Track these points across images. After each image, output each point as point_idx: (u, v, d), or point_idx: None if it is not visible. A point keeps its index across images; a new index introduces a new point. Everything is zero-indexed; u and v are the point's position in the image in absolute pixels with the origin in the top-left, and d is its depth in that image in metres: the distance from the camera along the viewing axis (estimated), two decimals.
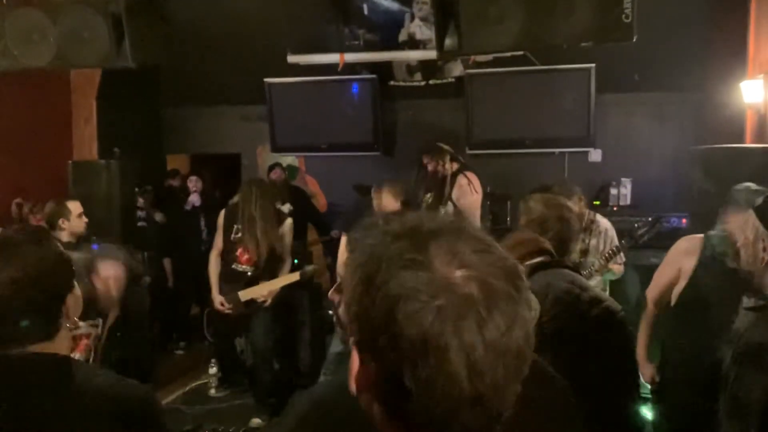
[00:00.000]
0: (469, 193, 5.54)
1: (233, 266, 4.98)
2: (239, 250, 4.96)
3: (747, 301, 2.70)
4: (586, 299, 2.27)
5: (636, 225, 4.47)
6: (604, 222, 4.45)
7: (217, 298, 4.95)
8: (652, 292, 3.30)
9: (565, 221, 2.61)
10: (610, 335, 2.27)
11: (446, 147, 5.71)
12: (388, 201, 4.50)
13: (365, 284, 0.74)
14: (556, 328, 2.08)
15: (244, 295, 4.89)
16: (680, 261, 3.13)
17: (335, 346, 4.61)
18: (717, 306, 2.91)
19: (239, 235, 4.94)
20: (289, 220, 5.17)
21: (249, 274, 4.96)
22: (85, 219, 4.50)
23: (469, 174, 5.61)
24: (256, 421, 4.92)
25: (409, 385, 0.71)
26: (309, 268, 5.01)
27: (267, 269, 4.97)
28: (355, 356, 0.77)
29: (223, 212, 5.14)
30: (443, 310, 0.70)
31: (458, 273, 0.72)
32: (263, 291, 4.91)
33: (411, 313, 0.70)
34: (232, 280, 4.96)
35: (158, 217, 6.85)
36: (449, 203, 5.54)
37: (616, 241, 4.36)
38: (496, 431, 0.76)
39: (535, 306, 0.77)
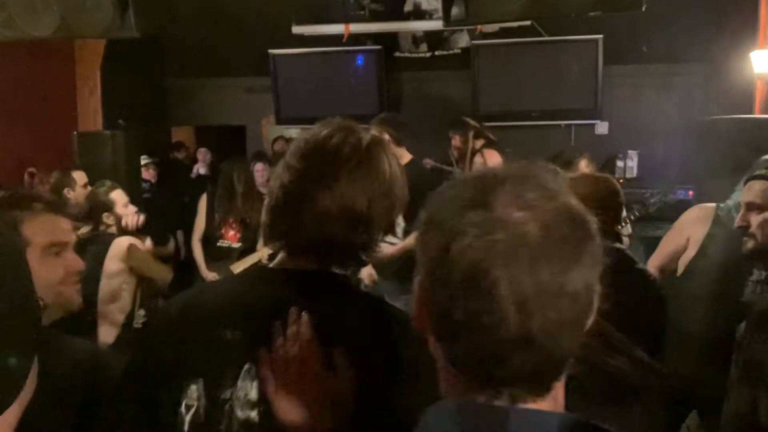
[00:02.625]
0: None
1: (218, 244, 5.02)
2: (224, 228, 5.00)
3: (758, 273, 2.70)
4: None
5: (648, 194, 4.47)
6: None
7: (209, 274, 4.98)
8: (656, 259, 3.23)
9: None
10: None
11: (472, 122, 5.59)
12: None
13: (427, 223, 0.77)
14: None
15: (236, 267, 4.94)
16: (690, 229, 3.07)
17: None
18: (726, 277, 2.88)
19: (223, 213, 4.98)
20: None
21: (237, 248, 5.00)
22: (90, 188, 4.51)
23: (487, 153, 5.48)
24: None
25: (458, 319, 0.72)
26: None
27: (254, 242, 5.03)
28: (417, 296, 0.80)
29: (204, 195, 5.18)
30: (495, 245, 0.71)
31: (518, 214, 0.73)
32: (254, 259, 4.97)
33: (464, 247, 0.72)
34: (220, 258, 4.99)
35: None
36: None
37: (624, 214, 4.29)
38: (549, 381, 0.76)
39: (598, 262, 0.76)
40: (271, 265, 1.29)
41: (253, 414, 1.14)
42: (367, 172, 1.20)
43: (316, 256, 1.22)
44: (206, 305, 1.24)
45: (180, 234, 7.00)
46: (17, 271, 0.76)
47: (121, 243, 3.49)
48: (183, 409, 1.16)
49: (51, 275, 1.56)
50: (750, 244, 2.54)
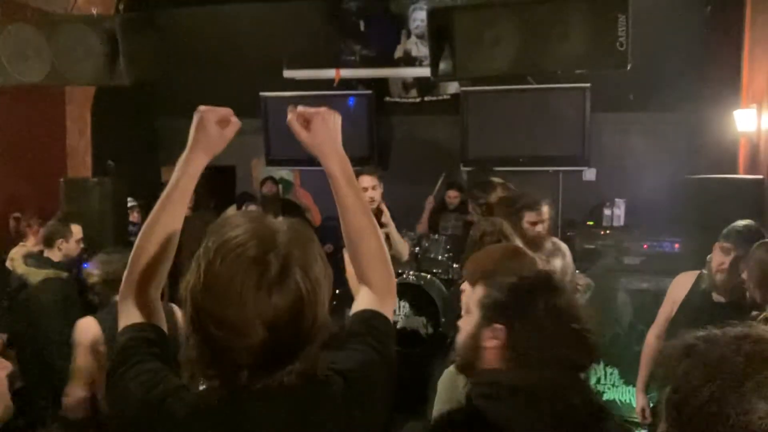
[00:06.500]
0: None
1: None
2: None
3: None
4: None
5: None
6: (563, 244, 4.34)
7: None
8: (654, 328, 3.40)
9: None
10: None
11: (497, 180, 5.57)
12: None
13: (724, 396, 0.80)
14: None
15: None
16: (675, 294, 3.28)
17: None
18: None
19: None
20: None
21: None
22: (82, 245, 4.52)
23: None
24: None
25: None
26: None
27: None
28: None
29: None
30: None
31: None
32: None
33: None
34: None
35: None
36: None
37: (572, 265, 4.25)
38: None
39: None
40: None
41: None
42: (289, 293, 1.16)
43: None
44: None
45: None
46: None
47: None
48: None
49: None
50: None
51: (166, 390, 1.24)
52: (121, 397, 1.29)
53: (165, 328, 1.43)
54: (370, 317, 1.43)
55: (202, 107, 1.54)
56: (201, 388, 1.29)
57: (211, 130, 1.52)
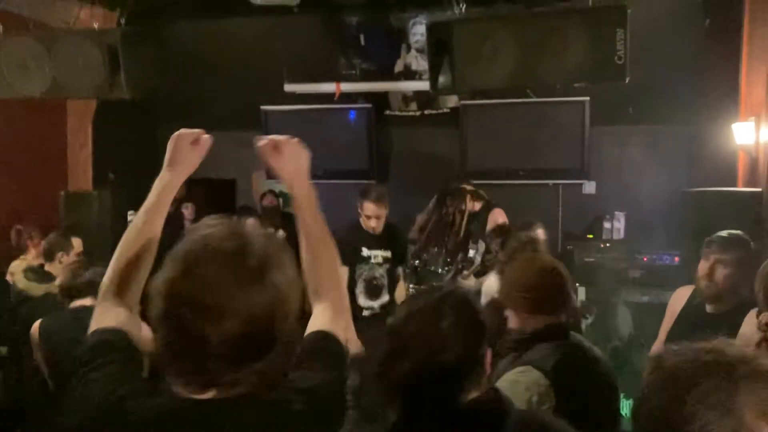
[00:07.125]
0: None
1: None
2: None
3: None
4: None
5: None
6: None
7: None
8: (657, 344, 3.40)
9: None
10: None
11: (468, 187, 5.61)
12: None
13: (670, 403, 0.84)
14: None
15: None
16: (674, 308, 3.29)
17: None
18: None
19: None
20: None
21: None
22: (81, 258, 4.54)
23: (495, 212, 5.50)
24: None
25: None
26: None
27: None
28: None
29: None
30: None
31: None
32: None
33: None
34: None
35: None
36: (480, 242, 5.39)
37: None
38: None
39: None
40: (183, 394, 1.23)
41: None
42: (266, 288, 1.19)
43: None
44: None
45: None
46: None
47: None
48: None
49: None
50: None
51: (127, 392, 1.25)
52: (84, 398, 1.30)
53: (137, 338, 1.43)
54: (324, 338, 1.48)
55: (175, 133, 1.67)
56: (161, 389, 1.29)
57: (185, 149, 1.66)
